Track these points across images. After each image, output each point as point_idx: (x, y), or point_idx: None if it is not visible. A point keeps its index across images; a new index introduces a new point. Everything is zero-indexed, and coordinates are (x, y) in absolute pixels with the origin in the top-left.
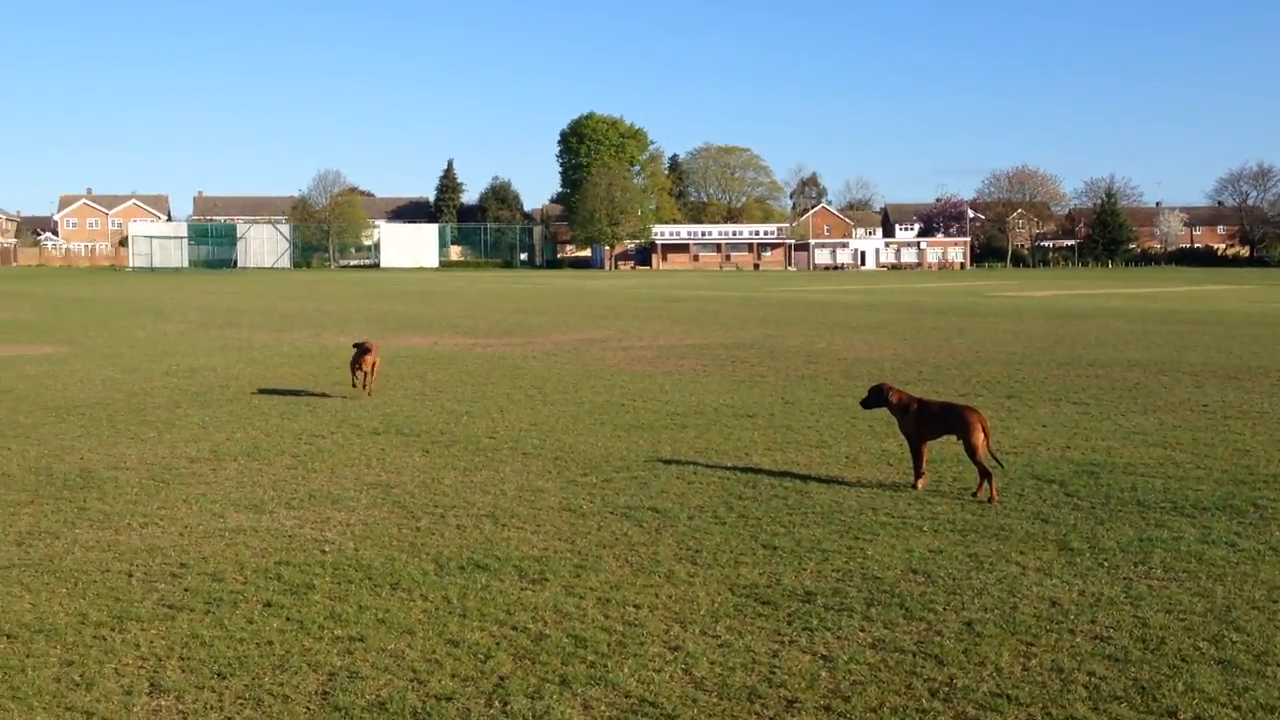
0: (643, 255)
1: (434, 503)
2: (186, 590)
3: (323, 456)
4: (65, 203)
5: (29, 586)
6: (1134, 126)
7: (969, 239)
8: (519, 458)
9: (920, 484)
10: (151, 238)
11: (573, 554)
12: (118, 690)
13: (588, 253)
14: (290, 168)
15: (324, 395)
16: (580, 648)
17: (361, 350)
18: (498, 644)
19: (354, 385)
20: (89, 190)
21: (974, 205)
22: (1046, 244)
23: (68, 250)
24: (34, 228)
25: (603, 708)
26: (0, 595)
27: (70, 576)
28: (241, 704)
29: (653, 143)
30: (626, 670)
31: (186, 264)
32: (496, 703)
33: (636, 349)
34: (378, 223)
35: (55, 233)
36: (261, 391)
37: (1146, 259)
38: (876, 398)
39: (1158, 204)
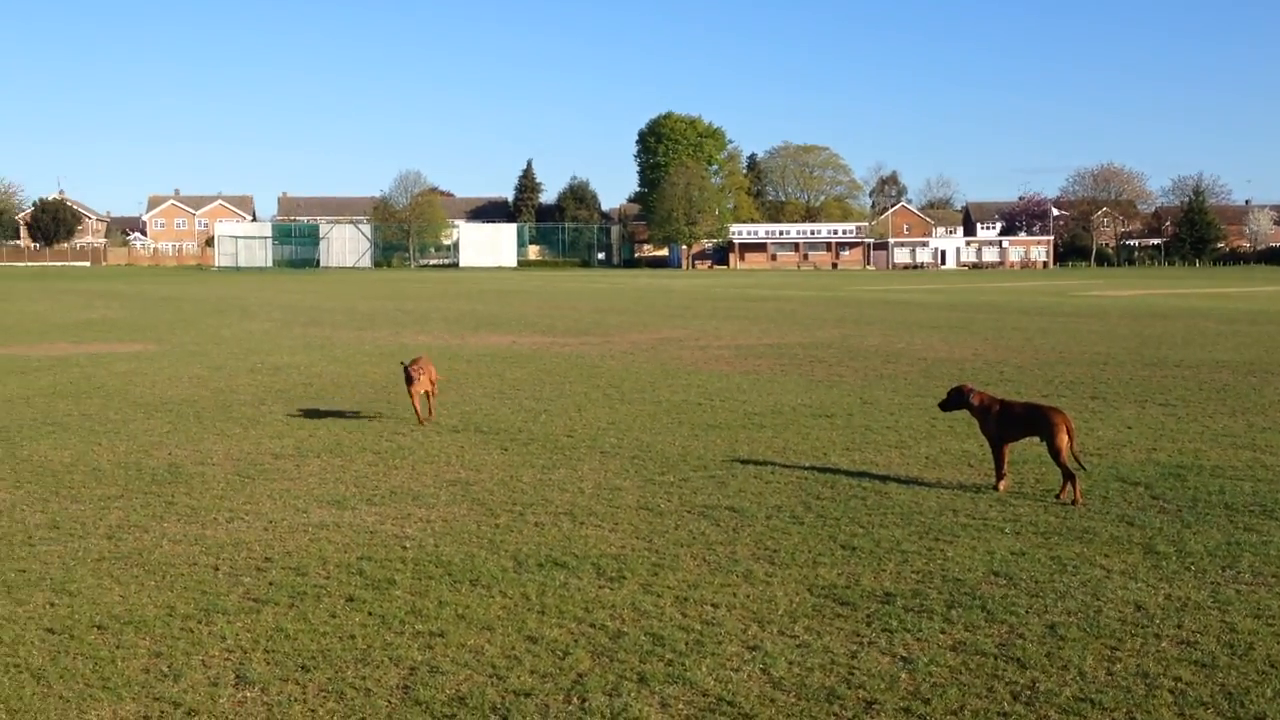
0: (720, 254)
1: (513, 500)
2: (271, 584)
3: (403, 454)
4: (153, 203)
5: (119, 579)
6: (1223, 123)
7: (1052, 238)
8: (597, 456)
9: (1002, 486)
10: (237, 238)
11: (650, 552)
12: (204, 681)
13: (665, 252)
14: (372, 168)
15: (403, 393)
16: (658, 646)
17: (407, 378)
18: (576, 641)
19: (416, 408)
20: (176, 191)
21: (1058, 203)
22: (1132, 243)
23: (155, 250)
24: (123, 228)
25: (680, 706)
26: (91, 587)
27: (158, 569)
28: (324, 696)
29: (731, 142)
30: (704, 669)
31: (270, 263)
32: (575, 699)
33: (714, 348)
34: (457, 222)
35: (144, 233)
36: (342, 389)
37: (1235, 258)
38: (956, 400)
39: (1247, 202)
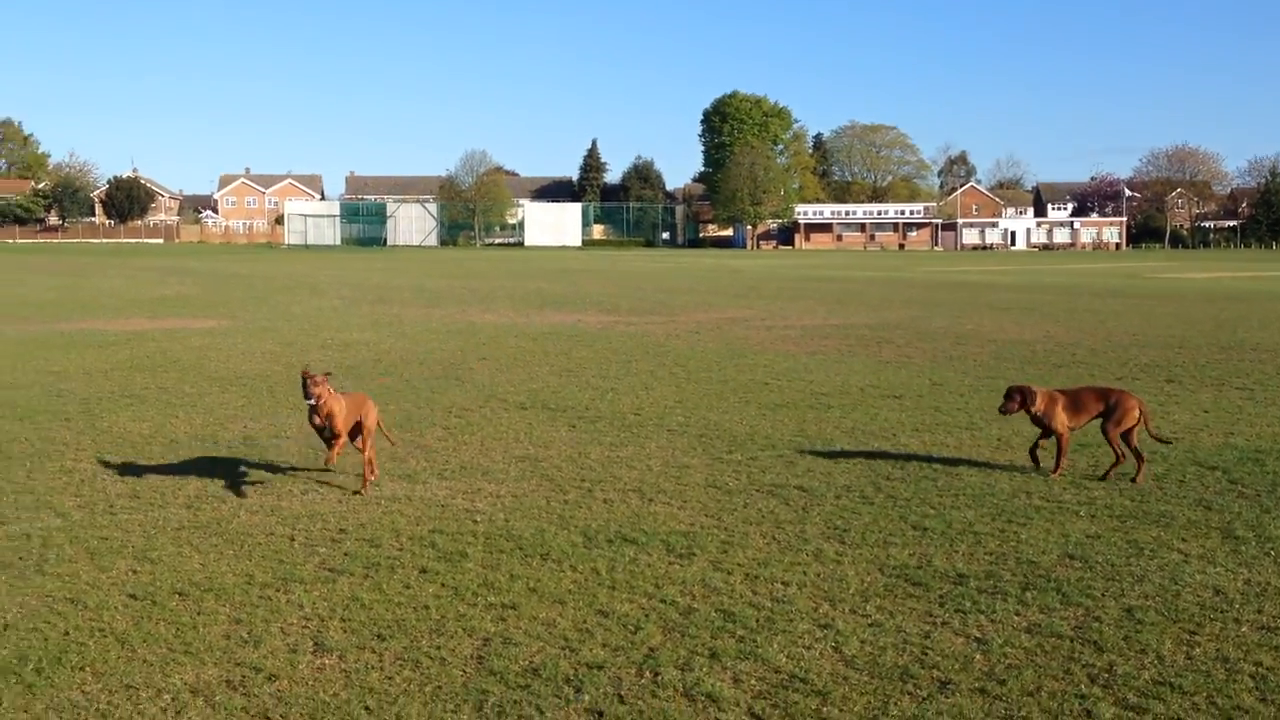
0: (785, 235)
1: (581, 477)
2: (346, 555)
3: (472, 430)
4: (225, 182)
5: (198, 548)
6: None
7: (1125, 219)
8: (664, 434)
9: (1063, 465)
10: (306, 216)
11: (720, 530)
12: (283, 648)
13: (729, 232)
14: (438, 148)
15: (471, 370)
16: (729, 622)
17: (305, 391)
18: (647, 616)
19: (329, 460)
20: (247, 170)
21: (1131, 184)
22: (1207, 224)
23: (227, 228)
24: (195, 206)
25: (753, 681)
26: (172, 555)
27: (236, 539)
28: (401, 665)
29: (797, 121)
30: (776, 646)
31: (338, 241)
32: (647, 673)
33: (780, 328)
34: (522, 202)
35: (215, 211)
36: (410, 365)
37: None
38: (1020, 402)
39: None
